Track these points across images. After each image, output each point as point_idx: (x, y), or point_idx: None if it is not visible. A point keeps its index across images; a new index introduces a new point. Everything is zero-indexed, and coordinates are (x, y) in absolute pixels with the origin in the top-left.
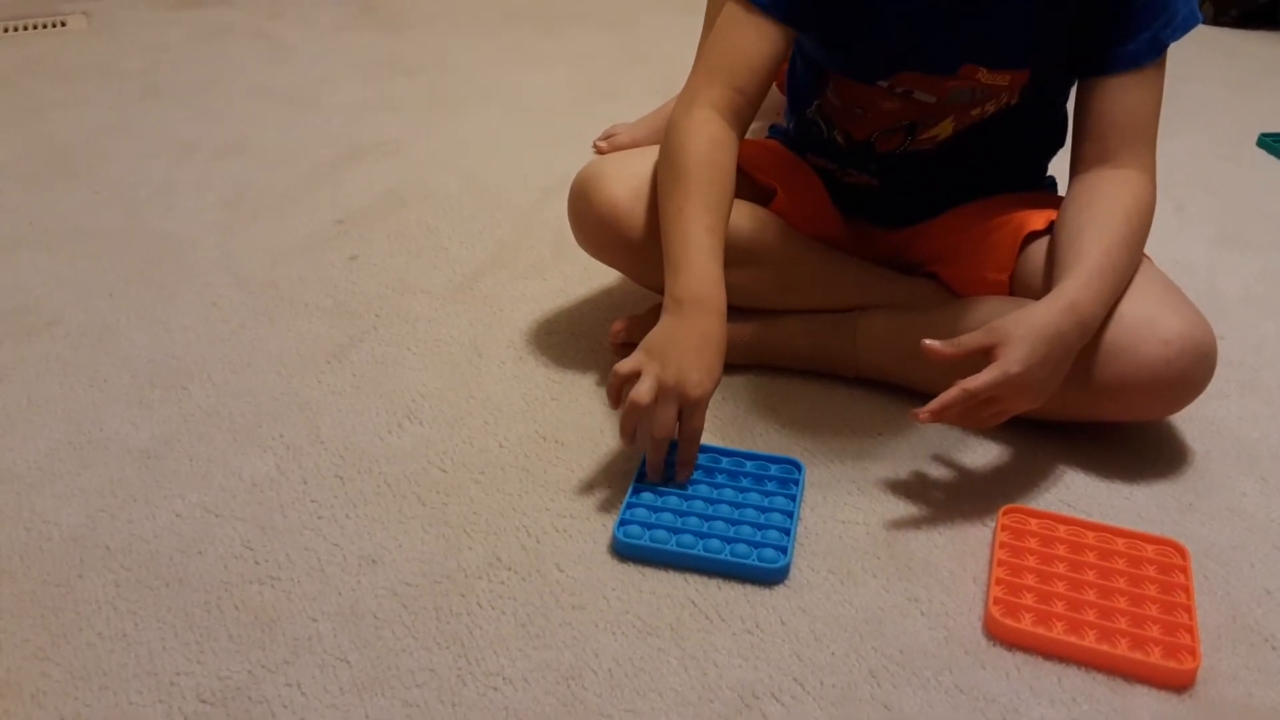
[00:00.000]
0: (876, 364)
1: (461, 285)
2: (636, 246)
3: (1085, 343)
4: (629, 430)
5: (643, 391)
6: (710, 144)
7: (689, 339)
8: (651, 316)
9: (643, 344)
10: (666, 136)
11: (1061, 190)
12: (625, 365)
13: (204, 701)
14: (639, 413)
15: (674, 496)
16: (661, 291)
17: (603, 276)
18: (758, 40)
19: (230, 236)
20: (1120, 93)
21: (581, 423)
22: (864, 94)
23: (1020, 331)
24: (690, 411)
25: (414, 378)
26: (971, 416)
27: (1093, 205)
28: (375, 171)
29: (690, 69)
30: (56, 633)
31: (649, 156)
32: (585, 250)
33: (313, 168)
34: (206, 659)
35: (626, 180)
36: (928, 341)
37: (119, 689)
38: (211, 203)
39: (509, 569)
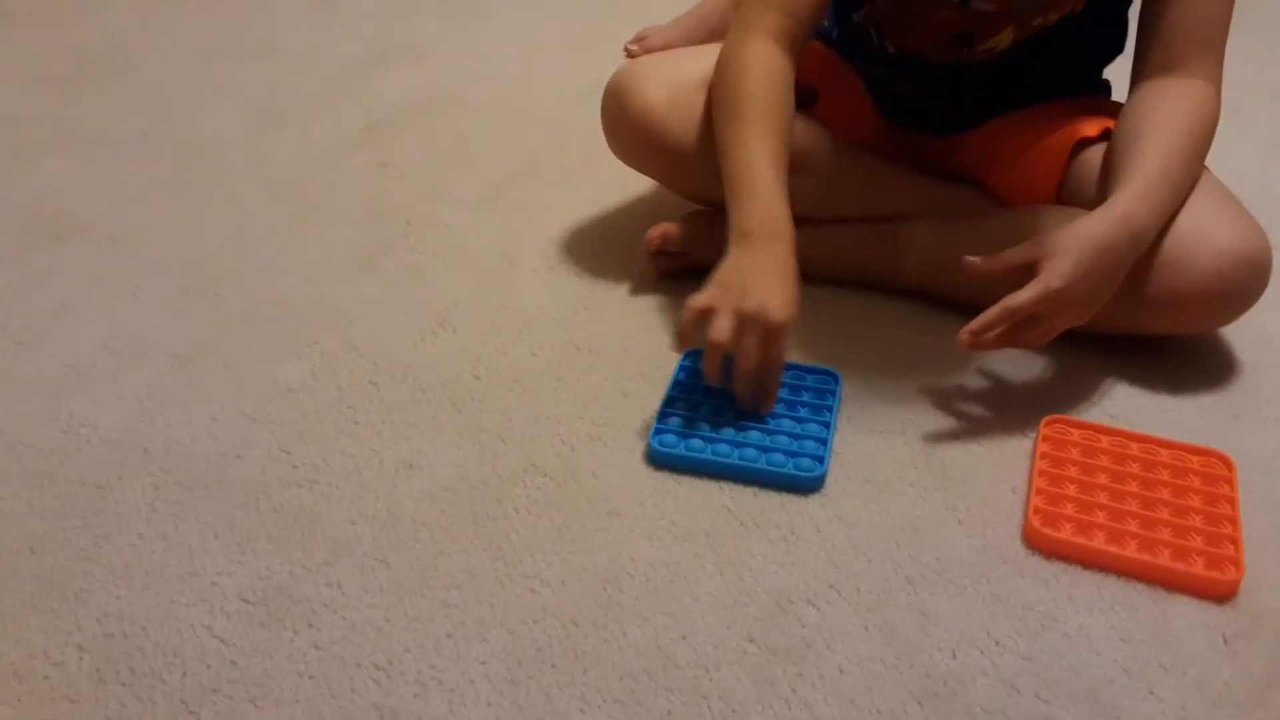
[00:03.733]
0: (920, 275)
1: (492, 193)
2: (672, 152)
3: (1138, 256)
4: (717, 370)
5: (723, 328)
6: (768, 73)
7: (765, 268)
8: (688, 224)
9: (714, 278)
10: (720, 65)
11: (1116, 95)
12: (699, 300)
13: (245, 601)
14: (722, 350)
15: (709, 406)
16: (697, 200)
17: (636, 185)
18: None
19: (259, 142)
20: None
21: (615, 332)
22: (918, 2)
23: (1066, 245)
24: (773, 339)
25: (446, 286)
26: (1016, 337)
27: (1155, 114)
28: (403, 77)
29: None
30: (98, 533)
31: (685, 59)
32: (619, 157)
33: (340, 72)
34: (247, 559)
35: (662, 84)
36: (969, 258)
37: (161, 589)
38: (239, 107)
39: (544, 475)
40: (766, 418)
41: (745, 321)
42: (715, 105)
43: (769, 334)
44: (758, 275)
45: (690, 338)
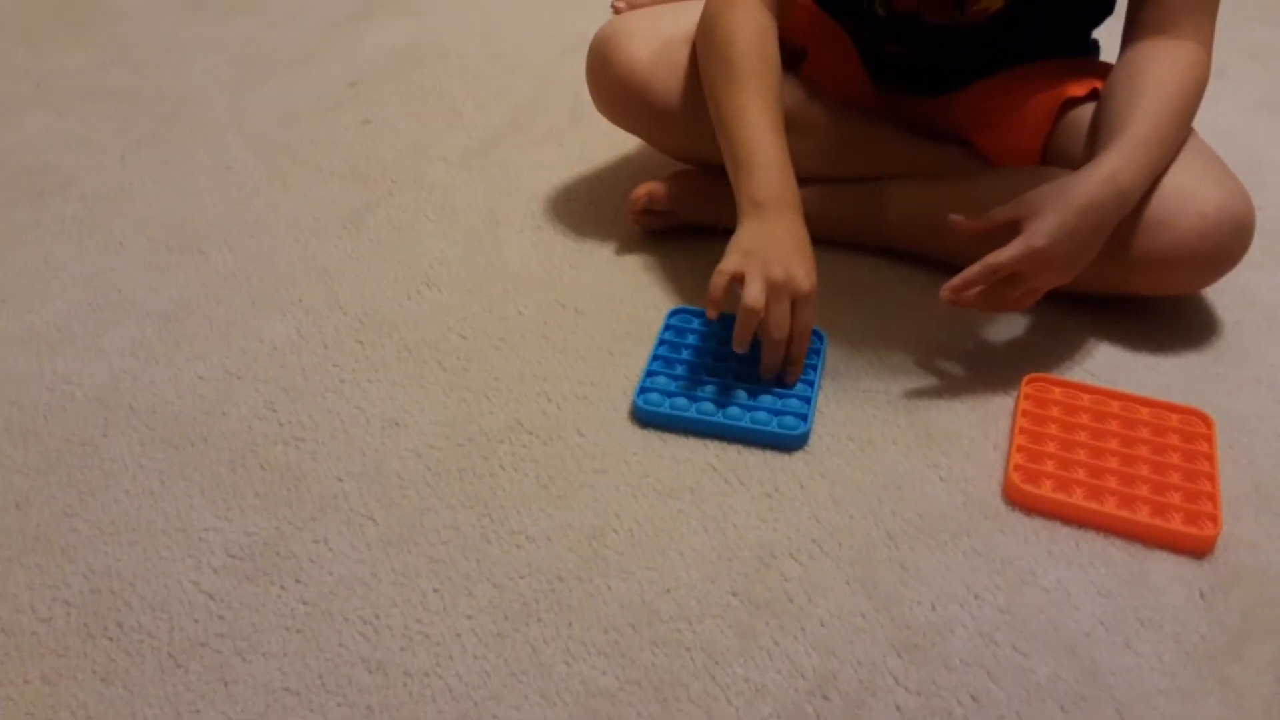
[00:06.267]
0: (904, 234)
1: (478, 151)
2: (657, 109)
3: (1124, 215)
4: (748, 338)
5: (756, 294)
6: (759, 35)
7: (785, 237)
8: (674, 183)
9: (735, 246)
10: (708, 27)
11: (1105, 55)
12: (729, 265)
13: (232, 556)
14: (757, 316)
15: (695, 364)
16: (683, 158)
17: (623, 143)
18: None
19: (241, 97)
20: None
21: (601, 291)
22: None
23: (1051, 203)
24: (801, 307)
25: (432, 244)
26: (998, 297)
27: (1145, 75)
28: (388, 31)
29: None
30: (84, 490)
31: (670, 15)
32: (604, 114)
33: (323, 26)
34: (234, 515)
35: (648, 40)
36: (954, 216)
37: (148, 544)
38: (221, 62)
39: (530, 433)
40: (753, 377)
41: (775, 289)
42: (705, 66)
43: (797, 301)
44: (780, 245)
45: (721, 304)
